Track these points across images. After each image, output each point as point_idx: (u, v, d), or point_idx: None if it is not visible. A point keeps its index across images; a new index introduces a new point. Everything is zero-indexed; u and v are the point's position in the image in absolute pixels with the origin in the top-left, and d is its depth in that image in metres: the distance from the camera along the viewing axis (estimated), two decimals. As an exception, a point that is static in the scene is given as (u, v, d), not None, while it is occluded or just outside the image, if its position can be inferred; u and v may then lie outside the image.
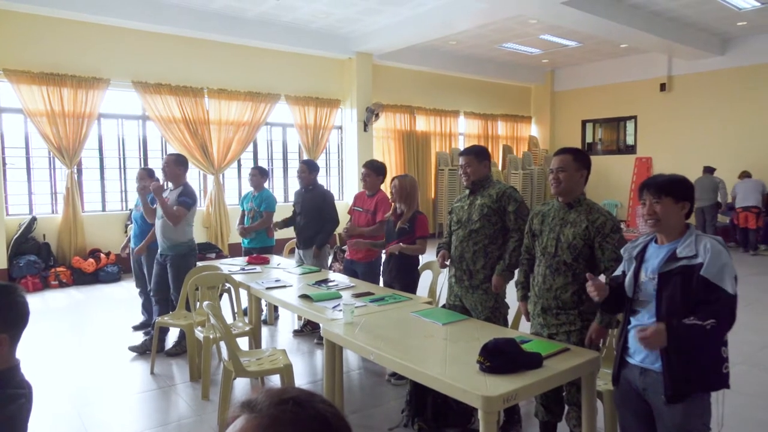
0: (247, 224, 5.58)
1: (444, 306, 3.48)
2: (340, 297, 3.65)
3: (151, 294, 4.74)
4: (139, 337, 4.92)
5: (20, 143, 7.60)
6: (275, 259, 5.30)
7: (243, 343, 4.01)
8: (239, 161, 9.55)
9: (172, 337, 4.79)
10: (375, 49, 10.07)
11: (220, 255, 8.33)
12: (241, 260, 5.25)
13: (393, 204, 4.24)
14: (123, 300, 6.58)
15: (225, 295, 5.28)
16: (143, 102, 8.34)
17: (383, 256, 4.33)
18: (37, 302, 6.46)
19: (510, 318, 3.41)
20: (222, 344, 4.06)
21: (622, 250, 2.30)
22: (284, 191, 10.17)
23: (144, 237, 5.08)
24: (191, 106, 8.70)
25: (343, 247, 5.35)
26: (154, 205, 4.69)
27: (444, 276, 3.75)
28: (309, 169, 5.16)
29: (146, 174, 5.17)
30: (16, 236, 7.33)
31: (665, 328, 1.90)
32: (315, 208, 5.02)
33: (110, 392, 3.87)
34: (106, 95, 7.96)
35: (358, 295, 3.67)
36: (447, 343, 2.67)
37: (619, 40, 10.20)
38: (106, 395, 3.82)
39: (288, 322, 5.59)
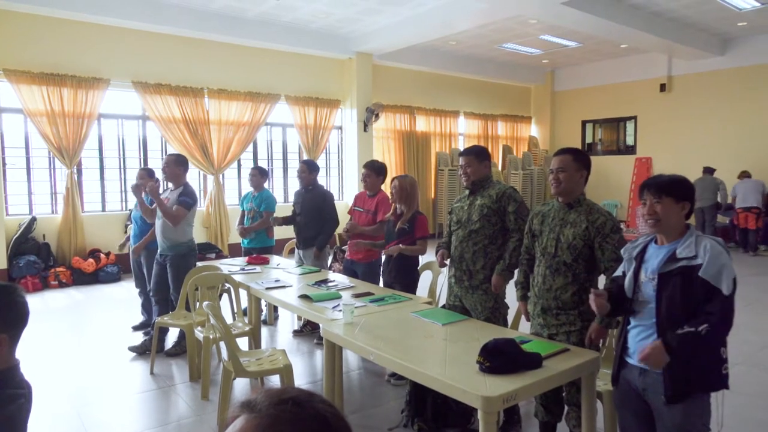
0: (247, 224, 5.58)
1: (444, 306, 3.48)
2: (339, 297, 3.65)
3: (151, 294, 4.73)
4: (138, 337, 4.92)
5: (20, 143, 7.60)
6: (275, 259, 5.30)
7: (243, 343, 4.01)
8: (239, 161, 9.55)
9: (172, 337, 4.79)
10: (375, 49, 10.07)
11: (219, 255, 8.33)
12: (240, 260, 5.25)
13: (393, 204, 4.24)
14: (123, 300, 6.58)
15: (225, 296, 5.28)
16: (143, 102, 8.34)
17: (383, 257, 4.33)
18: (36, 302, 6.46)
19: (510, 318, 3.41)
20: (222, 344, 4.05)
21: (622, 251, 2.30)
22: (284, 191, 10.17)
23: (144, 237, 5.08)
24: (191, 106, 8.70)
25: (343, 248, 5.35)
26: (153, 205, 4.68)
27: (444, 276, 3.75)
28: (309, 169, 5.16)
29: (146, 174, 5.18)
30: (16, 236, 7.33)
31: (662, 344, 1.94)
32: (315, 208, 5.02)
33: (110, 392, 3.87)
34: (106, 95, 7.96)
35: (357, 296, 3.67)
36: (447, 344, 2.67)
37: (619, 41, 10.20)
38: (106, 395, 3.82)
39: (288, 322, 5.59)
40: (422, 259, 4.32)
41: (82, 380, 4.07)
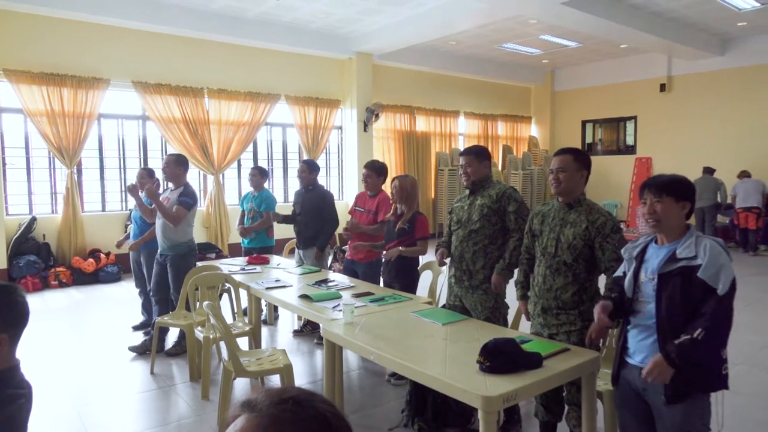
0: (247, 224, 5.58)
1: (444, 306, 3.48)
2: (340, 297, 3.65)
3: (151, 294, 4.73)
4: (138, 337, 4.92)
5: (20, 143, 7.61)
6: (275, 259, 5.30)
7: (243, 343, 4.01)
8: (239, 161, 9.55)
9: (172, 337, 4.79)
10: (375, 49, 10.07)
11: (220, 255, 8.33)
12: (241, 260, 5.25)
13: (393, 204, 4.24)
14: (123, 300, 6.58)
15: (225, 295, 5.28)
16: (143, 102, 8.34)
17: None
18: (37, 302, 6.46)
19: (510, 318, 3.41)
20: (222, 344, 4.06)
21: (622, 251, 2.30)
22: (284, 191, 10.17)
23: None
24: (191, 106, 8.70)
25: (343, 247, 5.35)
26: (152, 205, 4.68)
27: (444, 276, 3.75)
28: (309, 169, 5.16)
29: (146, 174, 5.18)
30: (16, 236, 7.33)
31: (662, 358, 1.95)
32: (315, 208, 5.02)
33: (110, 392, 3.87)
34: (106, 95, 7.96)
35: (358, 295, 3.67)
36: (447, 343, 2.67)
37: (619, 41, 10.20)
38: (106, 395, 3.82)
39: (288, 322, 5.59)
40: (422, 259, 4.32)
41: (82, 380, 4.07)
